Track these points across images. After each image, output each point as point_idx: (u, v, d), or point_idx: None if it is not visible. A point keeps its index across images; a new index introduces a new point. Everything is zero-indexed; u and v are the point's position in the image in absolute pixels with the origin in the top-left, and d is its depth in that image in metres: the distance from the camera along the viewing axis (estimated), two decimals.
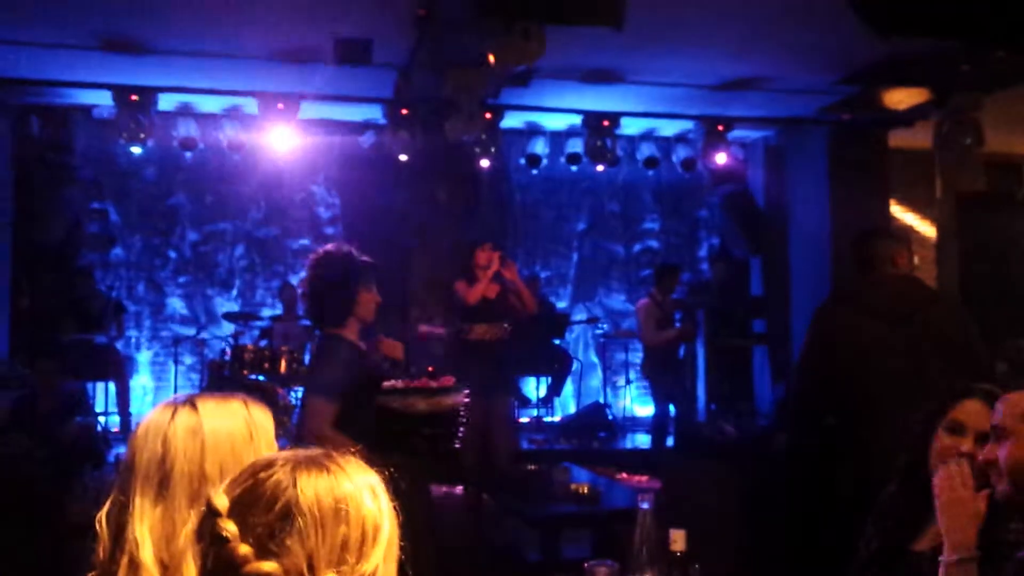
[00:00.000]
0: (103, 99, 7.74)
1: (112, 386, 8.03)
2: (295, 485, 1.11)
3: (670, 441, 7.66)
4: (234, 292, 9.14)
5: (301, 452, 1.17)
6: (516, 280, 6.31)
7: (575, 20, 4.72)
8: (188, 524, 1.38)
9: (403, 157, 7.98)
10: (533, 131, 9.13)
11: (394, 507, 1.18)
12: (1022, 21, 5.18)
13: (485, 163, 8.27)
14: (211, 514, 1.10)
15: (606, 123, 8.46)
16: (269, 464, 1.15)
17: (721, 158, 8.48)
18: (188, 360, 8.76)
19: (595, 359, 9.80)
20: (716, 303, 9.08)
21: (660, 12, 5.80)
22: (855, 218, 8.43)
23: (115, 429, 7.87)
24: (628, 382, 9.40)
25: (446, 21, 5.39)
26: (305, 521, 1.08)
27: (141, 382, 8.79)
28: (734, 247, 9.53)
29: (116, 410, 8.00)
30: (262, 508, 1.10)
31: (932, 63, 6.73)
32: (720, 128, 8.52)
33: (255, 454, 1.46)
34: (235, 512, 1.10)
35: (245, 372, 7.42)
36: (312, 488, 1.11)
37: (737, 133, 8.95)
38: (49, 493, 5.05)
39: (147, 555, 1.40)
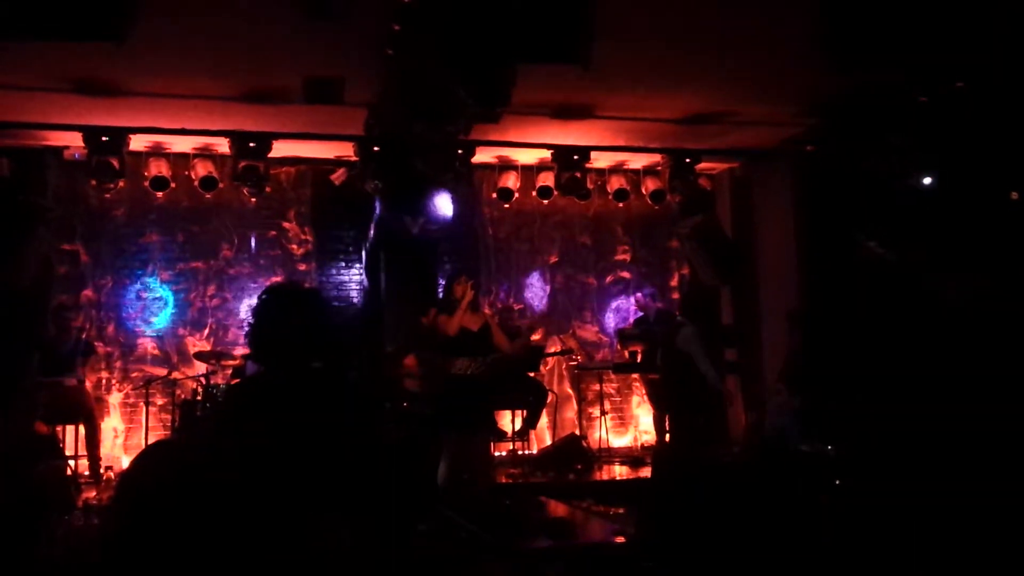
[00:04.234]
0: (74, 140, 7.74)
1: (82, 429, 7.92)
2: None
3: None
4: (206, 331, 9.09)
5: None
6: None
7: (543, 59, 4.80)
8: None
9: (372, 191, 8.05)
10: (504, 166, 9.22)
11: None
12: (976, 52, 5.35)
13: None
14: None
15: (576, 157, 8.58)
16: None
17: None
18: (160, 401, 8.67)
19: (570, 391, 9.82)
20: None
21: (627, 50, 5.93)
22: (821, 248, 8.59)
23: (85, 473, 7.75)
24: (603, 413, 9.43)
25: (414, 62, 5.47)
26: None
27: (112, 424, 8.67)
28: (704, 277, 9.63)
29: (86, 453, 7.89)
30: None
31: (892, 95, 6.92)
32: (687, 160, 8.67)
33: None
34: None
35: None
36: None
37: (704, 164, 9.10)
38: (16, 539, 4.96)
39: None
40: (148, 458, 1.74)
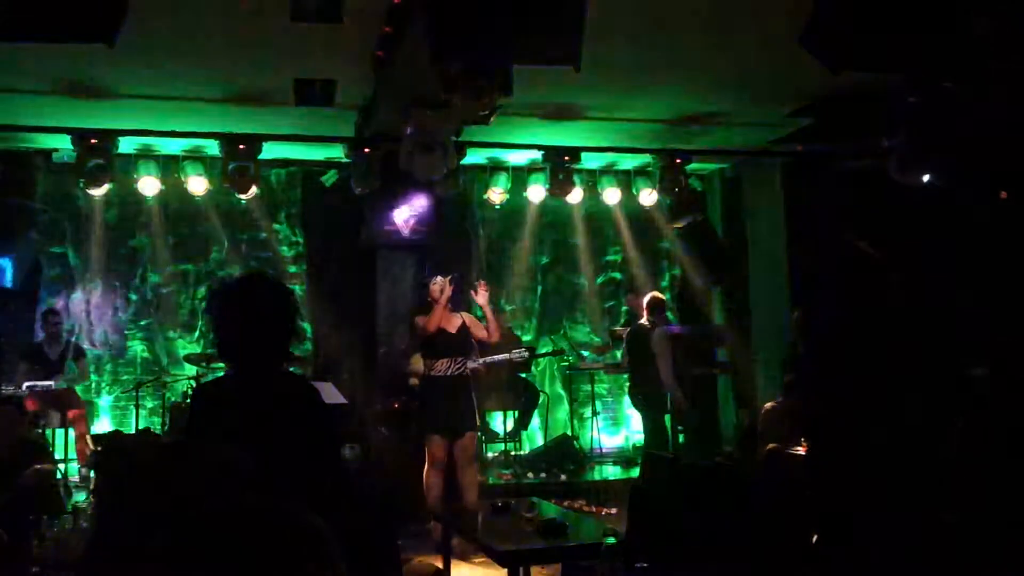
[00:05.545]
0: (63, 143, 7.70)
1: (72, 432, 7.88)
2: None
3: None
4: (196, 334, 9.06)
5: None
6: (485, 307, 6.32)
7: (533, 61, 4.79)
8: None
9: (362, 193, 8.04)
10: (495, 166, 9.22)
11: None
12: (966, 52, 5.37)
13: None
14: None
15: (567, 158, 8.59)
16: None
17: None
18: (150, 404, 8.64)
19: (562, 391, 9.83)
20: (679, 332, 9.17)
21: (618, 50, 5.94)
22: (811, 248, 8.60)
23: (74, 477, 7.71)
24: (595, 414, 9.44)
25: (405, 64, 5.46)
26: None
27: (102, 427, 8.63)
28: (695, 277, 9.68)
29: (76, 457, 7.84)
30: None
31: (881, 95, 6.95)
32: (678, 161, 8.68)
33: None
34: None
35: None
36: None
37: (695, 165, 9.12)
38: (7, 543, 4.93)
39: None
40: (136, 460, 1.74)
